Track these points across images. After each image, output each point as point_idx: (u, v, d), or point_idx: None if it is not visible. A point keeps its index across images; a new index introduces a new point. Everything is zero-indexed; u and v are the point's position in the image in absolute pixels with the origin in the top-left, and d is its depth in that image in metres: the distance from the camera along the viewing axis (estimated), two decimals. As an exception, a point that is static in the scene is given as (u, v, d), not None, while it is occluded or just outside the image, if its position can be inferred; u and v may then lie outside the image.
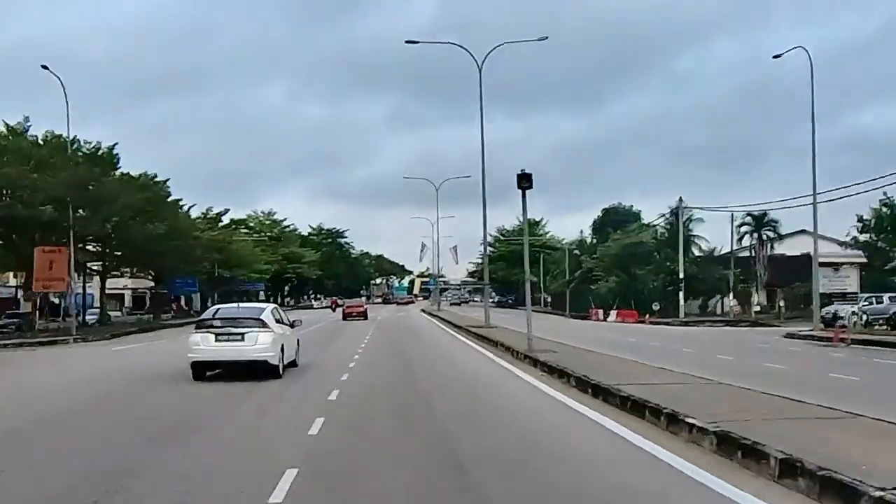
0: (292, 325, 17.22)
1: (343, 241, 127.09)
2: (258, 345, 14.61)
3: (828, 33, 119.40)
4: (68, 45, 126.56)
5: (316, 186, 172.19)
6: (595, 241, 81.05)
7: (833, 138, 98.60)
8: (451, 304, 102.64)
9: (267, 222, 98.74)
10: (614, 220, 79.65)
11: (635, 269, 61.19)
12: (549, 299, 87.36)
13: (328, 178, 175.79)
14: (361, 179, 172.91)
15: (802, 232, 49.53)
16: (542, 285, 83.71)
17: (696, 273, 57.37)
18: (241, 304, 15.61)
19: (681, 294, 55.16)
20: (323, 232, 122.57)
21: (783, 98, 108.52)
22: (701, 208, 59.76)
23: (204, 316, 15.54)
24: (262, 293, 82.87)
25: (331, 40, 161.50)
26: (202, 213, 64.60)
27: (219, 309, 16.06)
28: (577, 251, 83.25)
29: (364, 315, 52.54)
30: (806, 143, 32.82)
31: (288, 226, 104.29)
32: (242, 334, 14.70)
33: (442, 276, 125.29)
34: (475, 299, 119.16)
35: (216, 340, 14.72)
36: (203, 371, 14.94)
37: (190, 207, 58.46)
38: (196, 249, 53.03)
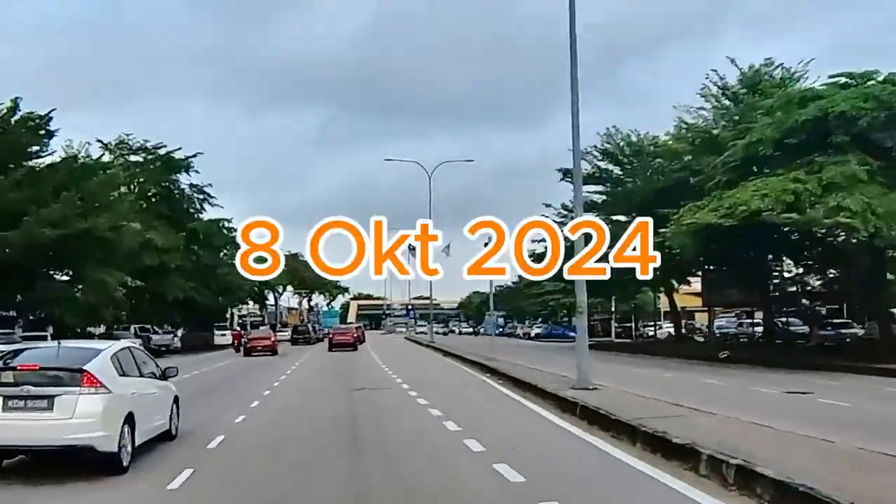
0: (164, 376, 10.62)
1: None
2: (77, 417, 8.03)
3: (777, 50, 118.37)
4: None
5: (243, 208, 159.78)
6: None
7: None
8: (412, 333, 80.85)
9: None
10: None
11: None
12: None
13: (257, 199, 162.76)
14: (294, 202, 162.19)
15: None
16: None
17: None
18: (63, 343, 9.06)
19: None
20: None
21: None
22: None
23: (-9, 363, 8.82)
24: None
25: (257, 50, 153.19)
26: None
27: (20, 350, 9.32)
28: None
29: (273, 350, 39.23)
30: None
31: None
32: (50, 398, 8.09)
33: (385, 299, 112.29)
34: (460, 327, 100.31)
35: (5, 409, 8.09)
36: (-10, 460, 8.42)
37: None
38: None
